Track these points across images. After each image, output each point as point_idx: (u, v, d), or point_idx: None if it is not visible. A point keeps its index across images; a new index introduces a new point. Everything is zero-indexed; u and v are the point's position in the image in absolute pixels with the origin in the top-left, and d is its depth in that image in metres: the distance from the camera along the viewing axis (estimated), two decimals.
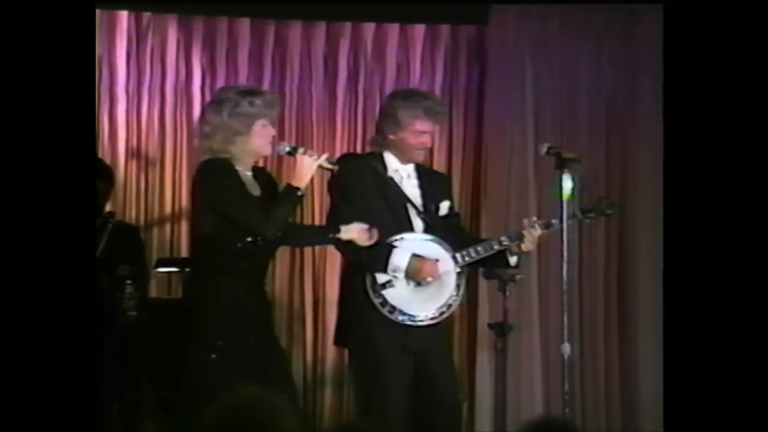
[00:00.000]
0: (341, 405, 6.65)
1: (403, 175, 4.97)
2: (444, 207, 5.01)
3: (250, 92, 4.75)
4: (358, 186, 4.88)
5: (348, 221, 4.83)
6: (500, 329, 5.04)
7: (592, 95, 6.73)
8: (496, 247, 4.91)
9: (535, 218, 4.92)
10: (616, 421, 6.60)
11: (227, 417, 2.75)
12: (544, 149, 4.96)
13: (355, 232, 4.77)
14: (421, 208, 4.94)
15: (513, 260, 4.96)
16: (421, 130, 4.92)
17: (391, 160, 4.96)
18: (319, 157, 4.68)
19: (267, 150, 4.78)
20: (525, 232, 4.88)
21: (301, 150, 4.70)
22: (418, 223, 4.93)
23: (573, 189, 4.83)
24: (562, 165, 4.84)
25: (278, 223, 4.60)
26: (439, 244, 4.89)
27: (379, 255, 4.79)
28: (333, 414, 6.63)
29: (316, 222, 6.65)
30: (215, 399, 2.79)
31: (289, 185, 4.65)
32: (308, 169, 4.65)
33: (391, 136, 4.94)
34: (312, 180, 6.49)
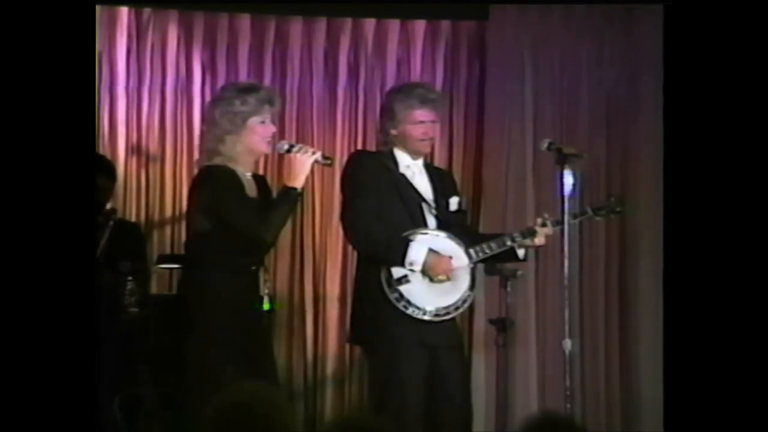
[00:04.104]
0: (342, 401, 6.65)
1: (415, 170, 5.00)
2: (454, 203, 5.04)
3: (245, 90, 4.71)
4: (372, 182, 4.89)
5: (362, 217, 4.84)
6: (501, 325, 5.04)
7: (593, 91, 6.72)
8: (509, 243, 4.95)
9: (546, 215, 4.93)
10: (616, 416, 6.60)
11: (229, 412, 2.76)
12: (544, 145, 4.97)
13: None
14: (433, 204, 4.96)
15: (521, 253, 5.02)
16: (419, 120, 4.94)
17: (401, 156, 4.98)
18: (313, 153, 4.65)
19: (263, 148, 4.74)
20: (538, 229, 4.90)
21: (295, 148, 4.66)
22: (431, 220, 4.95)
23: (574, 185, 4.84)
24: (562, 161, 4.85)
25: (276, 226, 4.59)
26: (452, 239, 4.91)
27: (397, 249, 4.80)
28: (334, 410, 6.63)
29: (316, 219, 6.68)
30: (214, 393, 2.81)
31: (285, 186, 4.61)
32: (302, 166, 4.61)
33: (393, 131, 4.96)
34: (313, 178, 6.59)
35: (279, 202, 4.61)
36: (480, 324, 6.36)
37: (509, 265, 5.12)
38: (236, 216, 4.58)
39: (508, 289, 5.04)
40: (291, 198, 4.61)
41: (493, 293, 5.01)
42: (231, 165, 4.62)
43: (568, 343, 4.80)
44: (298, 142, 6.60)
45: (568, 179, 4.83)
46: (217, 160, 4.62)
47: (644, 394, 6.50)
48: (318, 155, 4.66)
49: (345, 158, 6.58)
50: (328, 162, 4.83)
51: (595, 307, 6.64)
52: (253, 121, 4.62)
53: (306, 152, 4.63)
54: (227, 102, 4.66)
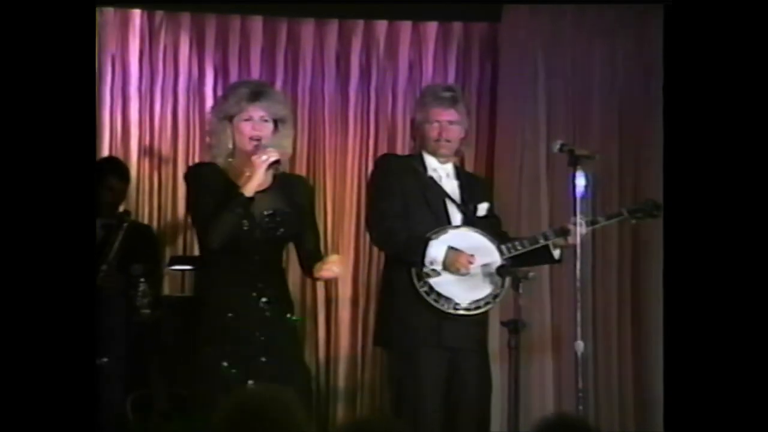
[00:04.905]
0: (355, 404, 6.65)
1: (442, 174, 5.00)
2: (482, 208, 5.01)
3: (234, 87, 4.64)
4: (398, 185, 4.90)
5: (385, 218, 4.82)
6: (513, 327, 5.03)
7: (605, 92, 6.71)
8: (542, 240, 4.94)
9: (580, 215, 4.91)
10: (629, 418, 6.59)
11: (240, 414, 2.76)
12: (556, 146, 4.97)
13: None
14: (461, 207, 4.95)
15: (557, 253, 5.00)
16: (434, 119, 4.95)
17: (429, 160, 4.99)
18: (267, 158, 4.35)
19: (250, 149, 4.41)
20: (571, 228, 4.88)
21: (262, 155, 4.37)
22: (457, 219, 4.94)
23: (586, 186, 4.84)
24: (574, 162, 4.85)
25: (217, 232, 4.31)
26: (484, 235, 4.91)
27: (416, 248, 4.80)
28: (346, 412, 6.63)
29: (328, 222, 6.67)
30: (222, 394, 2.80)
31: (236, 191, 4.34)
32: (254, 170, 4.33)
33: (418, 133, 4.99)
34: (324, 181, 6.59)
35: (223, 209, 4.32)
36: (493, 326, 6.34)
37: (523, 267, 5.11)
38: (193, 218, 4.48)
39: (521, 290, 5.02)
40: (235, 204, 4.32)
41: (506, 295, 5.00)
42: (223, 162, 4.48)
43: (580, 345, 4.80)
44: (310, 143, 6.69)
45: (581, 181, 4.83)
46: (209, 157, 4.57)
47: (657, 395, 6.47)
48: (272, 159, 4.36)
49: (356, 161, 6.68)
50: (278, 167, 4.48)
51: (607, 308, 6.63)
52: (237, 119, 4.45)
53: (260, 156, 4.34)
54: (220, 99, 4.66)
